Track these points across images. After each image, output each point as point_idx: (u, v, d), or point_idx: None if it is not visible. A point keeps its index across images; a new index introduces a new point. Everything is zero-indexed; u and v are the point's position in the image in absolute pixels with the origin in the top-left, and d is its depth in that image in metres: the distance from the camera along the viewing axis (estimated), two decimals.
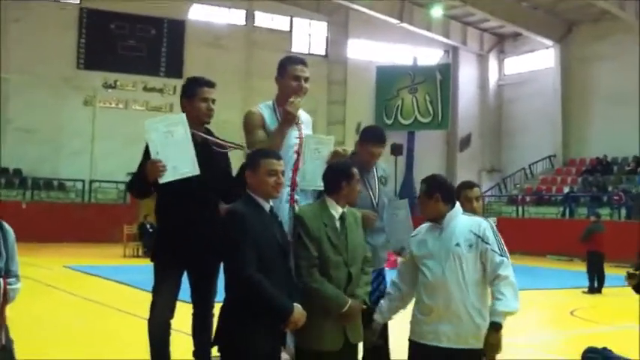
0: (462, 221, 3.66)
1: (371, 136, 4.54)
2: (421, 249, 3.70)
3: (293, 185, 4.22)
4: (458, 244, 3.56)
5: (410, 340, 3.72)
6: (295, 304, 3.39)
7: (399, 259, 3.98)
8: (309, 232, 3.61)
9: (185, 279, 4.25)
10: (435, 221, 3.70)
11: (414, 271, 3.76)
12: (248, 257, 3.30)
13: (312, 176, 4.12)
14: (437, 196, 3.67)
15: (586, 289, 13.18)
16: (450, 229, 3.63)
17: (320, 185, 3.95)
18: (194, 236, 4.06)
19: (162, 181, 3.93)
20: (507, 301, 3.49)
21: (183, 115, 4.10)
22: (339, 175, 3.76)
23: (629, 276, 4.43)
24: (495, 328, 3.47)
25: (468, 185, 4.36)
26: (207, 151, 4.17)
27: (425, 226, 3.80)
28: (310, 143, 4.25)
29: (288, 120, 4.18)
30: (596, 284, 13.17)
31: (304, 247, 3.59)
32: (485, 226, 3.65)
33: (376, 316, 3.90)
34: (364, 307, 3.70)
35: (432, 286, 3.60)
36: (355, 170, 3.79)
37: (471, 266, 3.56)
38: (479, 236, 3.58)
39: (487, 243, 3.57)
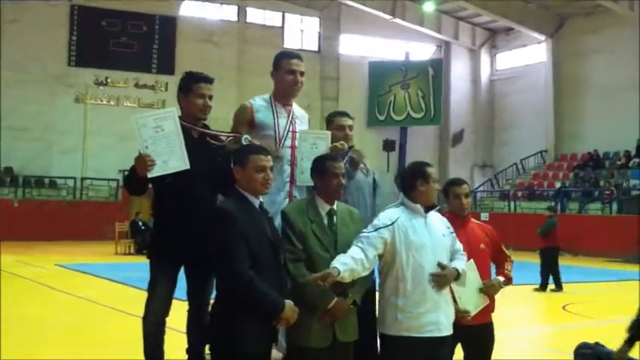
0: (431, 213, 3.78)
1: (333, 114, 4.71)
2: (408, 237, 3.60)
3: (292, 179, 4.26)
4: (444, 235, 3.73)
5: (403, 337, 3.56)
6: (287, 300, 3.38)
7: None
8: (294, 227, 3.61)
9: (181, 276, 4.23)
10: (415, 209, 3.69)
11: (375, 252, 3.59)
12: (238, 254, 3.29)
13: (310, 173, 4.12)
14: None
15: (537, 287, 12.37)
16: (429, 220, 3.72)
17: None
18: (192, 232, 3.97)
19: (151, 175, 3.88)
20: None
21: (174, 109, 4.05)
22: (316, 172, 3.77)
23: None
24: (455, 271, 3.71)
25: (457, 182, 4.32)
26: (205, 145, 4.12)
27: (398, 211, 3.67)
28: (308, 139, 4.26)
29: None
30: (545, 281, 12.42)
31: (289, 241, 3.59)
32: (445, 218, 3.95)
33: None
34: (352, 306, 3.61)
35: (426, 277, 3.59)
36: (329, 164, 3.72)
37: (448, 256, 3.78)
38: (448, 227, 3.83)
39: (452, 232, 3.84)
